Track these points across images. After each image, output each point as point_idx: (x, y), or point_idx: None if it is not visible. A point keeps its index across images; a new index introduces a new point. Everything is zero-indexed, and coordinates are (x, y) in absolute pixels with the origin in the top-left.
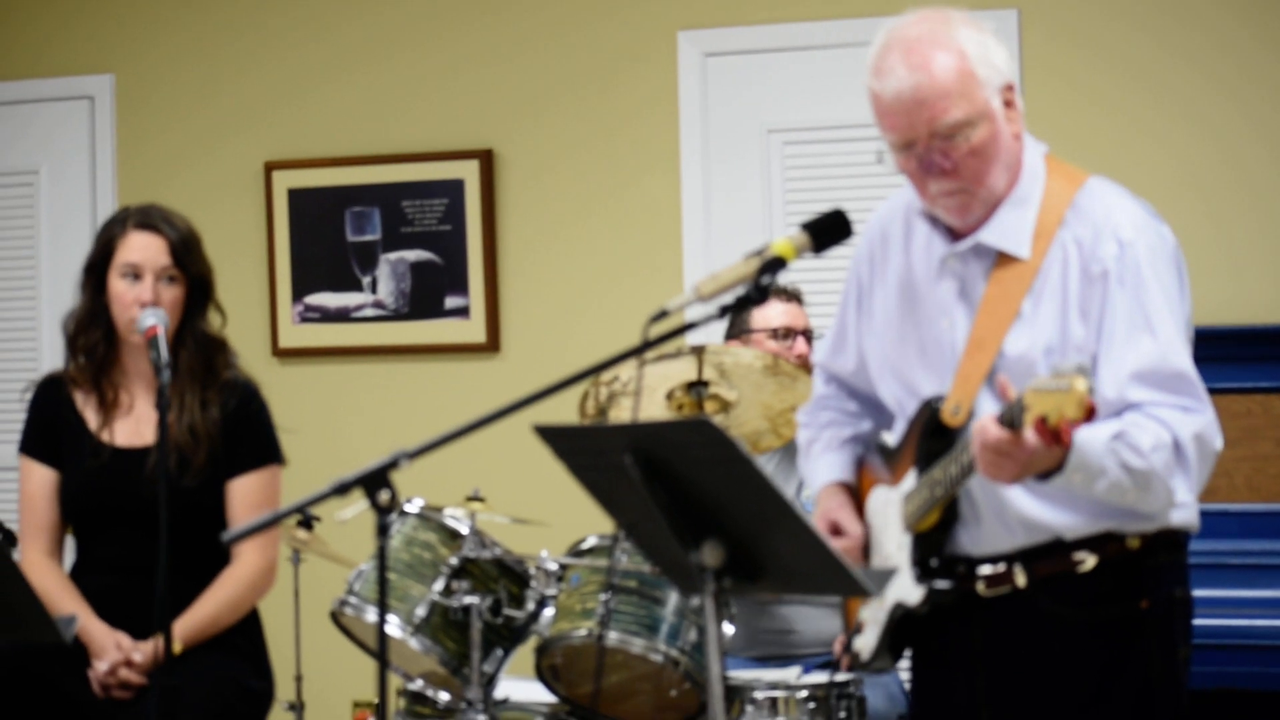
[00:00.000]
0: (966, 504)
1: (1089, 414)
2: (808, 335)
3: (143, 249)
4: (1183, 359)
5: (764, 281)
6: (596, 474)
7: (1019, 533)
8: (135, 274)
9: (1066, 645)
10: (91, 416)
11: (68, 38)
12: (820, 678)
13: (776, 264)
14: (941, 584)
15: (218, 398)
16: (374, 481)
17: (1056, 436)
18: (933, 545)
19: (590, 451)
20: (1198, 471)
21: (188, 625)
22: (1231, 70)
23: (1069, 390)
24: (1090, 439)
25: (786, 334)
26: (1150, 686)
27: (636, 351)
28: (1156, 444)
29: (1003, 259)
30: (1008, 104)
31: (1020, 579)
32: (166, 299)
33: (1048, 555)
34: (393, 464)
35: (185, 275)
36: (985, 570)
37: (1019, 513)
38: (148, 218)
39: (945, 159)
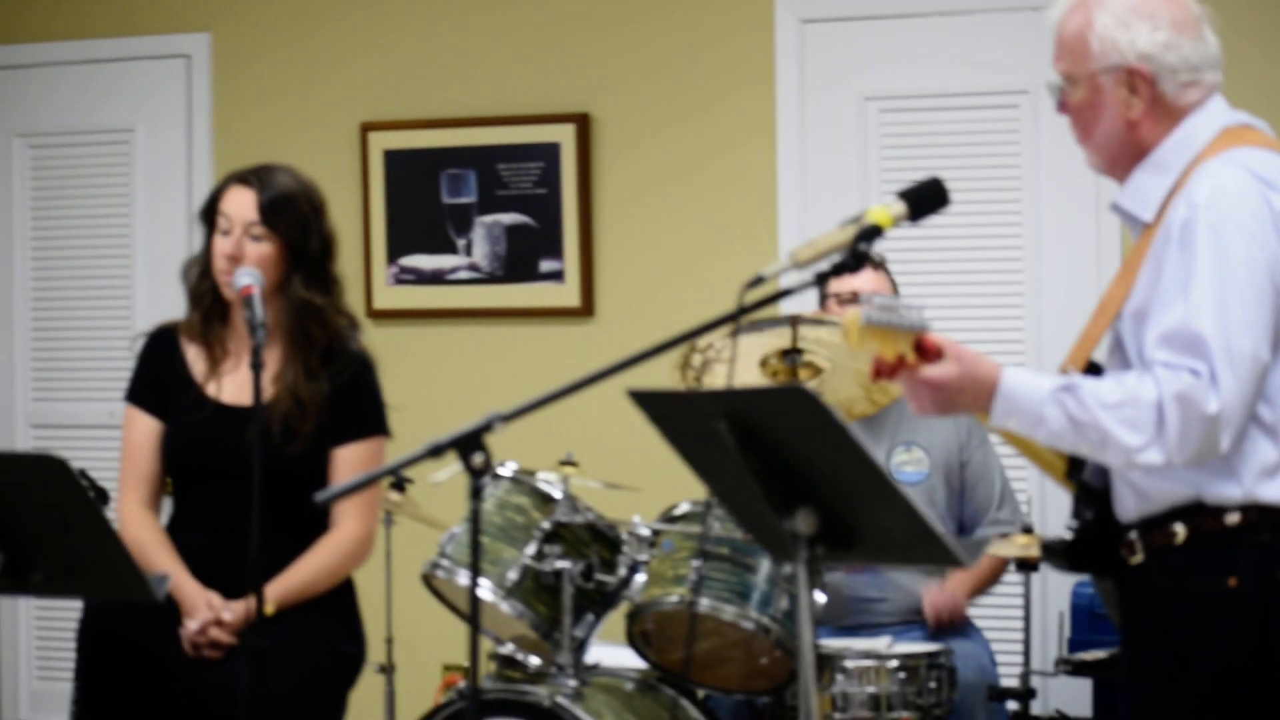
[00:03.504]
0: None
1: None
2: None
3: (234, 203)
4: (1206, 323)
5: (861, 249)
6: (690, 440)
7: (1130, 499)
8: (227, 228)
9: (1158, 616)
10: (199, 370)
11: None
12: (911, 647)
13: (873, 232)
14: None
15: (326, 368)
16: (468, 444)
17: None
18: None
19: (684, 417)
20: (1178, 433)
21: (282, 588)
22: None
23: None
24: (1030, 386)
25: (854, 300)
26: (1235, 666)
27: (732, 317)
28: (1122, 400)
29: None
30: (1131, 89)
31: (1139, 549)
32: (252, 256)
33: (1158, 526)
34: (487, 427)
35: (274, 234)
36: (1128, 537)
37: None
38: (249, 172)
39: (1062, 104)
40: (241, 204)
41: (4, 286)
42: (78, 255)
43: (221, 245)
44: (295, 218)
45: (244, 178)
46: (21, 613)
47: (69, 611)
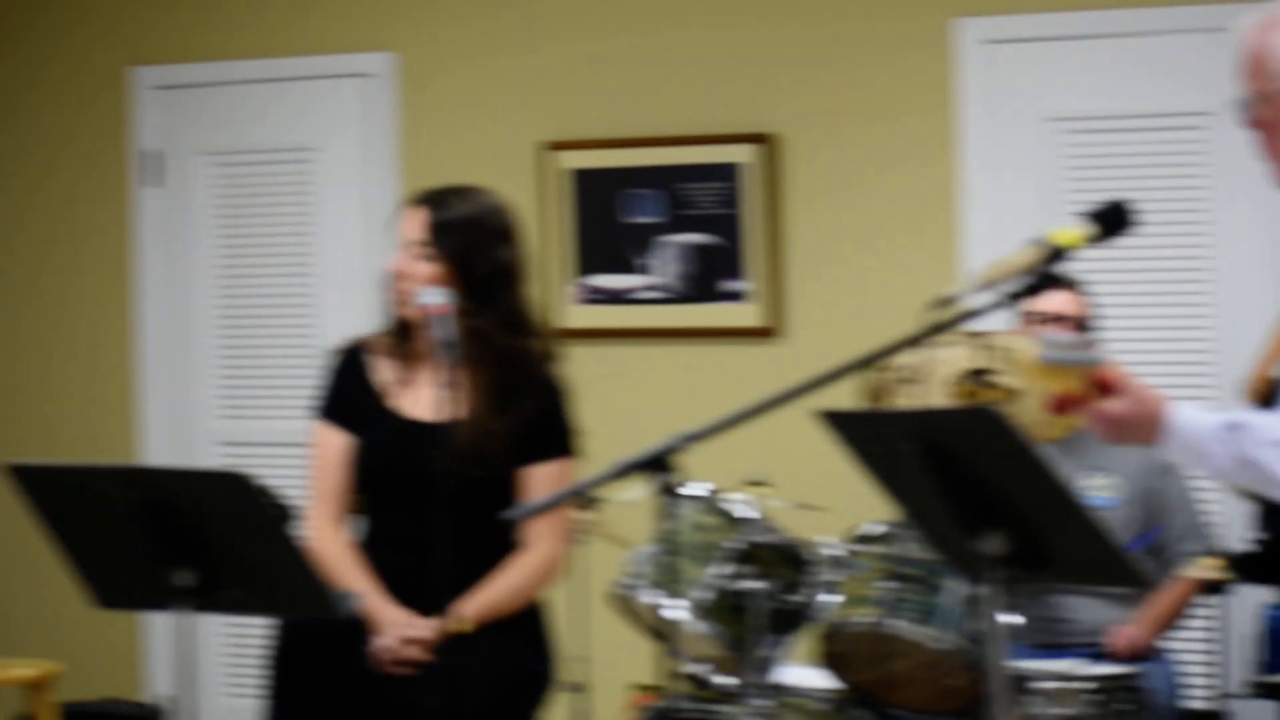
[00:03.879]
0: None
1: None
2: (1081, 324)
3: (408, 222)
4: None
5: (1046, 270)
6: (879, 460)
7: None
8: (401, 247)
9: None
10: (387, 385)
11: (350, 16)
12: (1101, 668)
13: (1059, 253)
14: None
15: (517, 395)
16: (657, 464)
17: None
18: None
19: (874, 438)
20: None
21: (472, 607)
22: None
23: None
24: (1196, 423)
25: (1055, 321)
26: None
27: (919, 338)
28: None
29: None
30: None
31: None
32: (419, 275)
33: None
34: (675, 447)
35: (441, 255)
36: None
37: None
38: (428, 193)
39: (1247, 122)
40: (413, 223)
41: (190, 305)
42: (262, 273)
43: (394, 262)
44: (463, 240)
45: (421, 198)
46: (212, 630)
47: (258, 628)
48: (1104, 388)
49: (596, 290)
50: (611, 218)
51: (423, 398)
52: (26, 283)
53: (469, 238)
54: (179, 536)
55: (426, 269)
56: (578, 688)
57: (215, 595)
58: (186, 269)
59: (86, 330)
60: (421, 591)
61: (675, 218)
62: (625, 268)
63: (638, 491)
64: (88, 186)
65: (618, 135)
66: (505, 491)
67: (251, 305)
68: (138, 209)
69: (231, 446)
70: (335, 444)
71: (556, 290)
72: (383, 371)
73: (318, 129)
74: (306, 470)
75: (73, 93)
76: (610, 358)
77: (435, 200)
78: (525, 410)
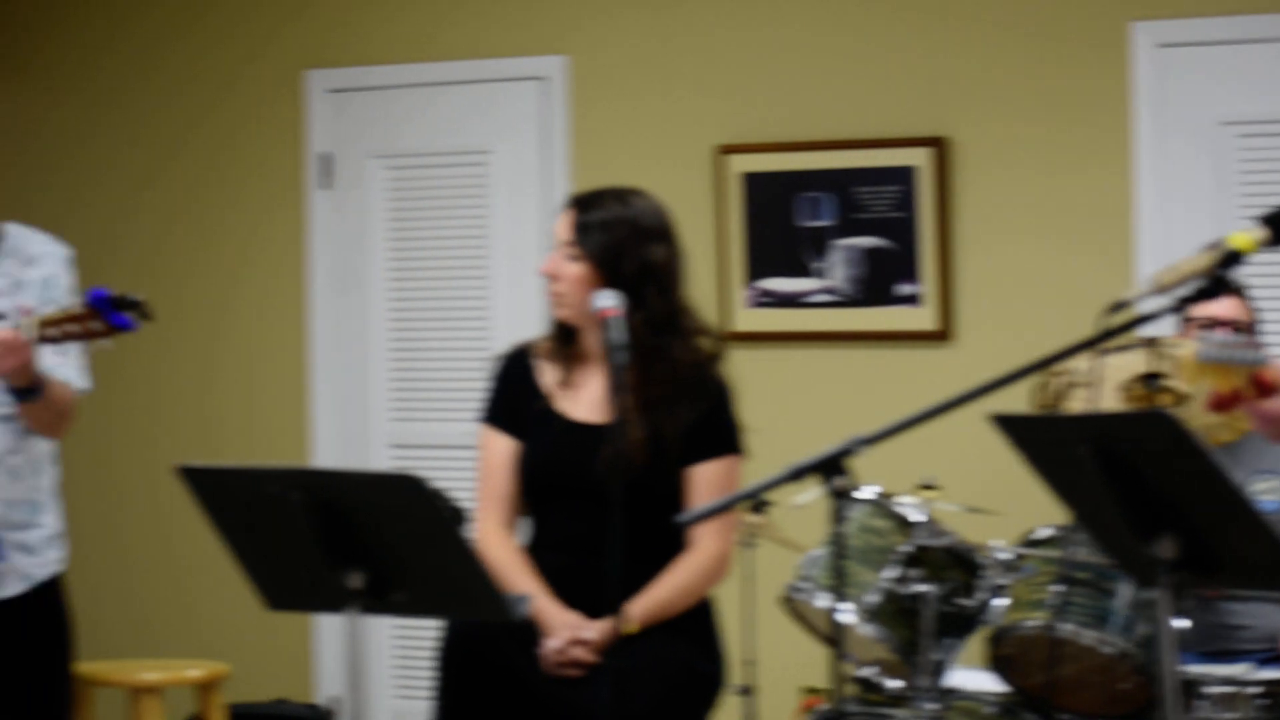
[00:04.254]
0: None
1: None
2: (1245, 329)
3: (560, 223)
4: None
5: (1222, 275)
6: (1052, 464)
7: None
8: (556, 247)
9: None
10: (551, 388)
11: (523, 19)
12: (1272, 673)
13: (1234, 257)
14: None
15: (681, 397)
16: (830, 467)
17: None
18: None
19: (1047, 442)
20: None
21: (641, 607)
22: None
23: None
24: None
25: (1219, 325)
26: None
27: (1094, 342)
28: None
29: None
30: None
31: None
32: (566, 275)
33: None
34: (848, 450)
35: (585, 255)
36: None
37: None
38: (578, 193)
39: None
40: (563, 225)
41: (363, 308)
42: (435, 276)
43: (545, 265)
44: (607, 240)
45: (571, 200)
46: (382, 632)
47: (427, 630)
48: (1265, 387)
49: (768, 293)
50: (784, 221)
51: (587, 400)
52: (201, 284)
53: (613, 237)
54: (350, 539)
55: (574, 269)
56: (746, 691)
57: (385, 597)
58: (359, 272)
59: (259, 331)
60: (589, 593)
61: (848, 221)
62: (800, 271)
63: (809, 495)
64: (262, 189)
65: (791, 139)
66: (671, 492)
67: (423, 308)
68: (311, 211)
69: (401, 449)
70: (502, 448)
71: (730, 293)
72: (547, 375)
73: (490, 132)
74: (475, 474)
75: (249, 95)
76: (782, 361)
77: (583, 201)
78: (690, 410)
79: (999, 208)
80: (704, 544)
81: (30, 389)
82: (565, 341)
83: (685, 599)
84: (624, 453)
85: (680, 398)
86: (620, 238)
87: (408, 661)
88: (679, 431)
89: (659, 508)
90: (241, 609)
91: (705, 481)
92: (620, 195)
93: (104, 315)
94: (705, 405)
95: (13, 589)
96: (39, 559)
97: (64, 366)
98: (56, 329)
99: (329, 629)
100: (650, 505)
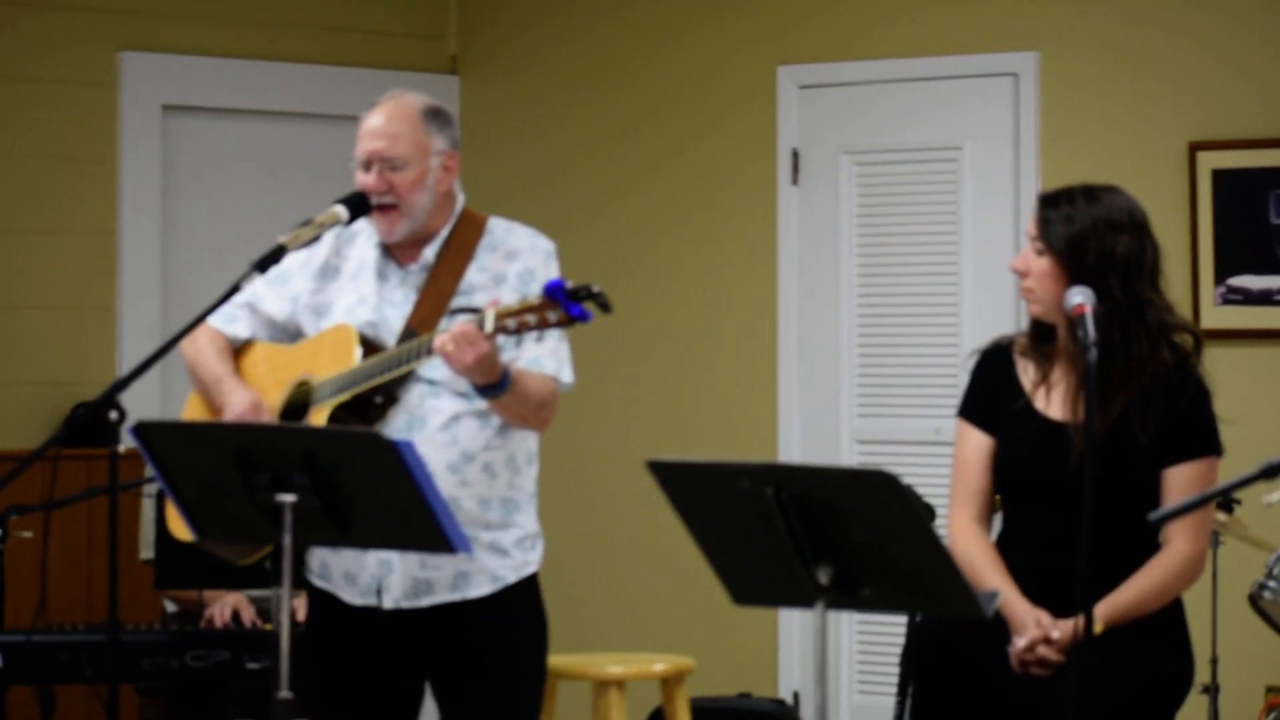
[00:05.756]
0: None
1: None
2: None
3: (1031, 219)
4: None
5: None
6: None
7: None
8: (1028, 243)
9: None
10: (1029, 384)
11: (993, 15)
12: None
13: None
14: None
15: (1160, 392)
16: None
17: None
18: None
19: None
20: None
21: (1110, 607)
22: None
23: None
24: None
25: None
26: None
27: None
28: None
29: None
30: None
31: None
32: (1034, 270)
33: None
34: None
35: (1050, 248)
36: None
37: None
38: (1051, 190)
39: None
40: (1031, 221)
41: (832, 302)
42: (904, 271)
43: (1015, 261)
44: (1069, 233)
45: (1041, 197)
46: (845, 626)
47: (891, 626)
48: None
49: (1241, 291)
50: (1256, 218)
51: (1060, 398)
52: (675, 280)
53: (1076, 230)
54: (820, 534)
55: (1041, 264)
56: (1210, 689)
57: (853, 593)
58: (828, 267)
59: (730, 326)
60: (1058, 592)
61: None
62: (1270, 268)
63: (1279, 493)
64: (735, 185)
65: (1263, 135)
66: (1147, 492)
67: (894, 304)
68: (782, 207)
69: (867, 444)
70: (976, 444)
71: (1200, 291)
72: (1025, 372)
73: (961, 128)
74: (951, 470)
75: (723, 92)
76: (1253, 359)
77: (1051, 198)
78: (1166, 408)
79: None
80: (1177, 545)
81: (495, 385)
82: (1041, 339)
83: (1156, 600)
84: (1099, 452)
85: (1154, 395)
86: (1083, 230)
87: (871, 657)
88: (1153, 430)
89: (1133, 508)
90: (707, 604)
91: (1182, 483)
92: (1089, 191)
93: (561, 305)
94: (1183, 404)
95: (480, 590)
96: (510, 561)
97: (545, 359)
98: (514, 319)
99: (793, 624)
100: (1124, 505)
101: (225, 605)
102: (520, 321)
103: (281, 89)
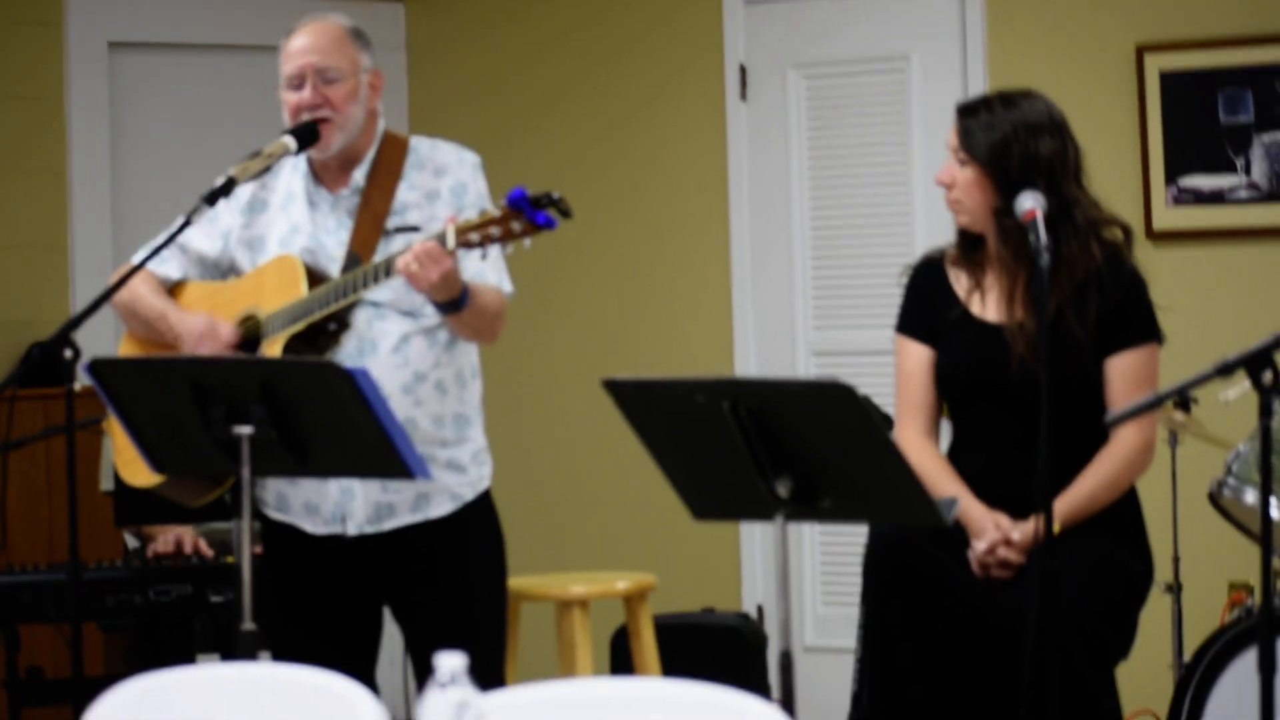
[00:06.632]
0: None
1: None
2: None
3: (951, 131)
4: None
5: None
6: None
7: None
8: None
9: None
10: (962, 293)
11: None
12: None
13: None
14: None
15: (1095, 288)
16: (1258, 362)
17: None
18: None
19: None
20: None
21: (1065, 505)
22: None
23: None
24: None
25: None
26: None
27: None
28: None
29: None
30: None
31: None
32: (959, 181)
33: None
34: (1277, 343)
35: (973, 158)
36: None
37: None
38: (967, 100)
39: None
40: (952, 133)
41: (784, 216)
42: (855, 183)
43: (940, 173)
44: (990, 140)
45: (959, 107)
46: (806, 539)
47: (853, 537)
48: None
49: (1191, 191)
50: (1205, 119)
51: (995, 302)
52: (622, 196)
53: (997, 137)
54: (778, 447)
55: (965, 174)
56: (1174, 588)
57: (813, 504)
58: (779, 181)
59: (681, 241)
60: (1011, 491)
61: (1271, 116)
62: (1221, 168)
63: (1236, 390)
64: (681, 100)
65: (1210, 35)
66: (1091, 387)
67: (843, 216)
68: (732, 123)
69: (824, 356)
70: (917, 356)
71: (1152, 192)
72: (958, 281)
73: (909, 38)
74: (895, 383)
75: (667, 5)
76: (1205, 259)
77: (969, 108)
78: (1102, 302)
79: None
80: (1125, 435)
81: (455, 301)
82: (971, 248)
83: (1110, 493)
84: (1038, 350)
85: (1089, 291)
86: (1004, 136)
87: (834, 569)
88: (1091, 324)
89: (1078, 404)
90: (667, 521)
91: (1125, 371)
92: (1006, 98)
93: (525, 214)
94: (1118, 295)
95: (441, 509)
96: (467, 477)
97: (487, 271)
98: (477, 233)
99: (755, 538)
100: (1069, 402)
101: (168, 538)
102: (484, 234)
103: (227, 22)
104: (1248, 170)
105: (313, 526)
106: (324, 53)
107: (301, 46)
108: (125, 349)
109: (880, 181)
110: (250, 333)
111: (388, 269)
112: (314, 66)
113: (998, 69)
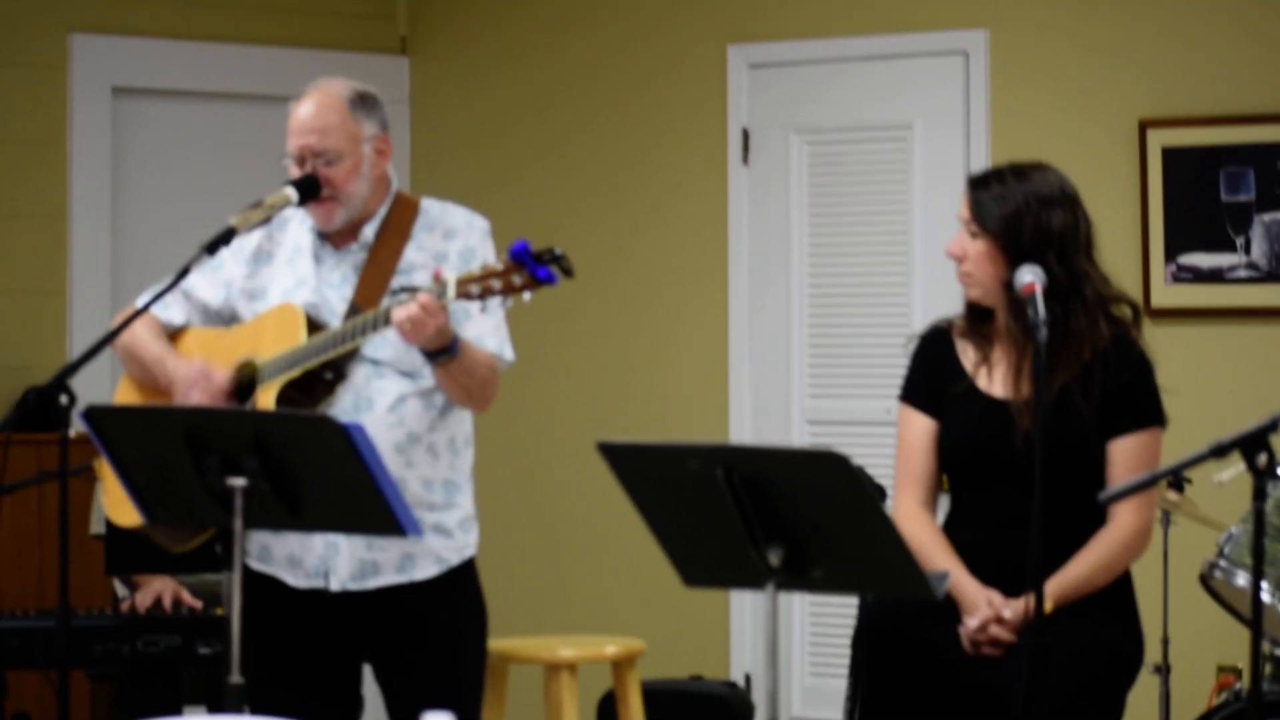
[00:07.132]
0: None
1: None
2: None
3: (961, 205)
4: None
5: None
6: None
7: None
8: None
9: None
10: (969, 366)
11: None
12: None
13: None
14: None
15: (1102, 368)
16: (1253, 444)
17: None
18: None
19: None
20: None
21: (1060, 584)
22: None
23: None
24: None
25: None
26: None
27: None
28: None
29: None
30: None
31: None
32: (970, 253)
33: None
34: (1272, 426)
35: (985, 231)
36: None
37: None
38: (978, 172)
39: None
40: (963, 204)
41: (782, 282)
42: (854, 252)
43: (951, 245)
44: (1002, 213)
45: (970, 179)
46: (796, 609)
47: (843, 608)
48: None
49: (1191, 269)
50: (1206, 196)
51: (1001, 377)
52: (622, 258)
53: (1009, 209)
54: (770, 515)
55: (976, 247)
56: (1162, 669)
57: (804, 573)
58: (778, 247)
59: (680, 305)
60: (1006, 571)
61: (1272, 195)
62: (1221, 246)
63: (1231, 472)
64: (685, 163)
65: (1213, 113)
66: (1093, 467)
67: (842, 284)
68: (733, 187)
69: (819, 425)
70: (920, 427)
71: (1151, 269)
72: (965, 353)
73: (911, 107)
74: (895, 453)
75: (672, 70)
76: (1203, 337)
77: (979, 178)
78: (1108, 381)
79: None
80: (1123, 518)
81: (445, 349)
82: (979, 320)
83: (1105, 575)
84: (1043, 428)
85: (1095, 369)
86: (1016, 208)
87: (823, 640)
88: (1095, 404)
89: (1078, 483)
90: (657, 586)
91: (1127, 455)
92: (1018, 170)
93: (527, 268)
94: (1124, 377)
95: (426, 571)
96: (454, 543)
97: (487, 336)
98: (477, 285)
99: (744, 606)
100: (1070, 481)
101: (148, 593)
102: (484, 286)
103: (230, 70)
104: (1247, 249)
105: (295, 579)
106: (322, 134)
107: (302, 124)
108: (122, 393)
109: (880, 250)
110: (245, 378)
111: (386, 318)
112: (312, 149)
113: (1000, 140)
